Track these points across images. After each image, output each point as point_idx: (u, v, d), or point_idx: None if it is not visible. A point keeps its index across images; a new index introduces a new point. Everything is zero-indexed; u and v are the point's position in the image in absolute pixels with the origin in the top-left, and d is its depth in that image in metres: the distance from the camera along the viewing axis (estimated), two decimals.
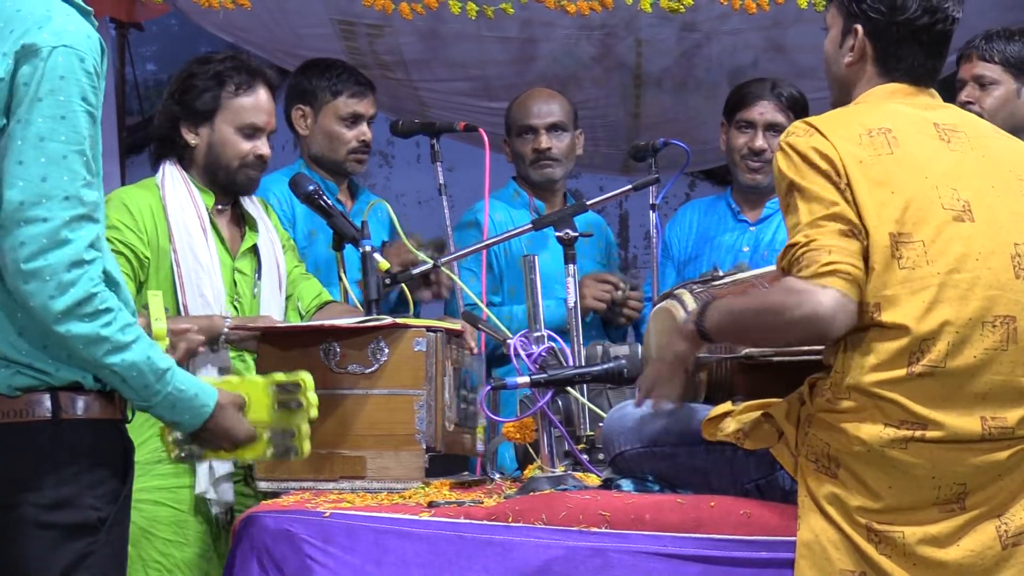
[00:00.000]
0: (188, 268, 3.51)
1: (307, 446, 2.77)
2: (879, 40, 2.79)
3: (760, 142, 4.37)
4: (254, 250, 3.67)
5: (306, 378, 2.75)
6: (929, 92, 2.83)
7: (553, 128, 4.49)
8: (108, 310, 2.38)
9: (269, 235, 3.74)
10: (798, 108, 4.36)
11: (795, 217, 2.65)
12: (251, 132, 3.62)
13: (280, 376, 2.75)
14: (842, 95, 2.87)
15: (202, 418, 2.55)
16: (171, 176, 3.60)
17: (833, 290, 2.56)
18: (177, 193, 3.57)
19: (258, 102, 3.63)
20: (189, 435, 2.62)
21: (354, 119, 4.34)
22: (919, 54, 2.79)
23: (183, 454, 2.69)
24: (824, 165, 2.65)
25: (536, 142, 4.48)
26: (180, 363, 2.65)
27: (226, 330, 3.43)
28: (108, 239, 3.42)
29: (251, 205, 3.74)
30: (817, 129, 2.70)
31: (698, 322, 2.78)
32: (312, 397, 2.76)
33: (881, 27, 2.78)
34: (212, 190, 3.63)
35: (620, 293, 4.41)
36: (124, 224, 3.48)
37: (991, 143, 2.80)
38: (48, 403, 2.42)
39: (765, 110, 4.38)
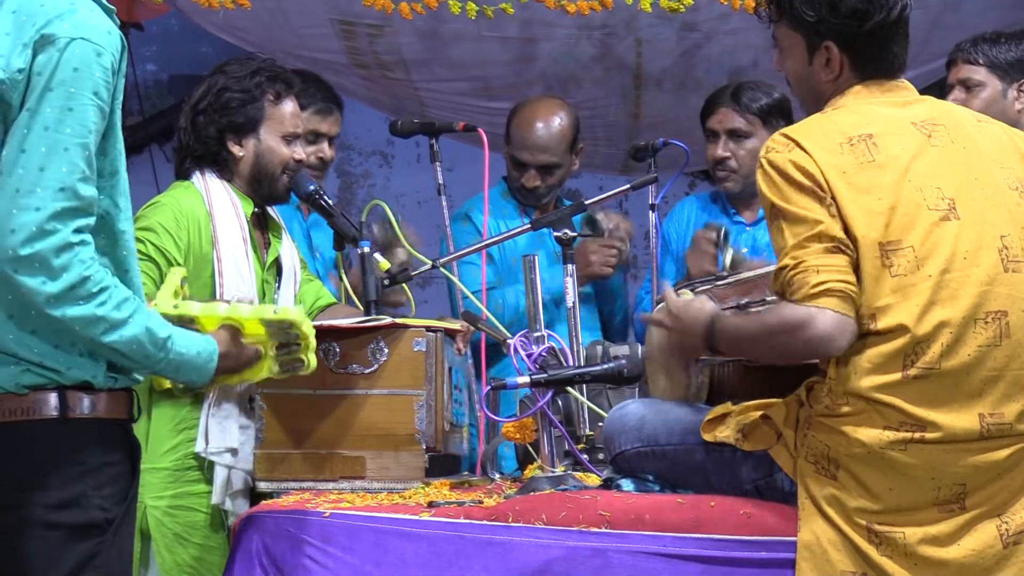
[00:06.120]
0: (230, 280, 3.49)
1: (313, 359, 2.85)
2: (854, 49, 2.78)
3: (720, 151, 4.37)
4: (277, 259, 3.69)
5: (296, 317, 2.82)
6: (902, 84, 2.83)
7: (543, 167, 4.47)
8: (103, 290, 2.36)
9: (289, 243, 3.76)
10: (774, 112, 4.35)
11: (780, 240, 2.66)
12: (291, 138, 3.65)
13: (269, 314, 2.80)
14: (818, 106, 2.85)
15: (209, 373, 2.59)
16: (213, 184, 3.58)
17: (829, 311, 2.57)
18: (222, 202, 3.55)
19: (295, 109, 3.67)
20: None
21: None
22: (891, 47, 2.79)
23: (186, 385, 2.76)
24: (806, 181, 2.64)
25: (524, 178, 4.47)
26: None
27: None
28: (141, 239, 3.44)
29: (273, 211, 3.75)
30: (796, 142, 2.68)
31: (709, 342, 2.79)
32: (308, 329, 2.84)
33: (854, 37, 2.77)
34: (252, 199, 3.63)
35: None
36: (164, 228, 3.44)
37: (971, 132, 2.78)
38: (55, 401, 2.40)
39: (723, 117, 4.38)
